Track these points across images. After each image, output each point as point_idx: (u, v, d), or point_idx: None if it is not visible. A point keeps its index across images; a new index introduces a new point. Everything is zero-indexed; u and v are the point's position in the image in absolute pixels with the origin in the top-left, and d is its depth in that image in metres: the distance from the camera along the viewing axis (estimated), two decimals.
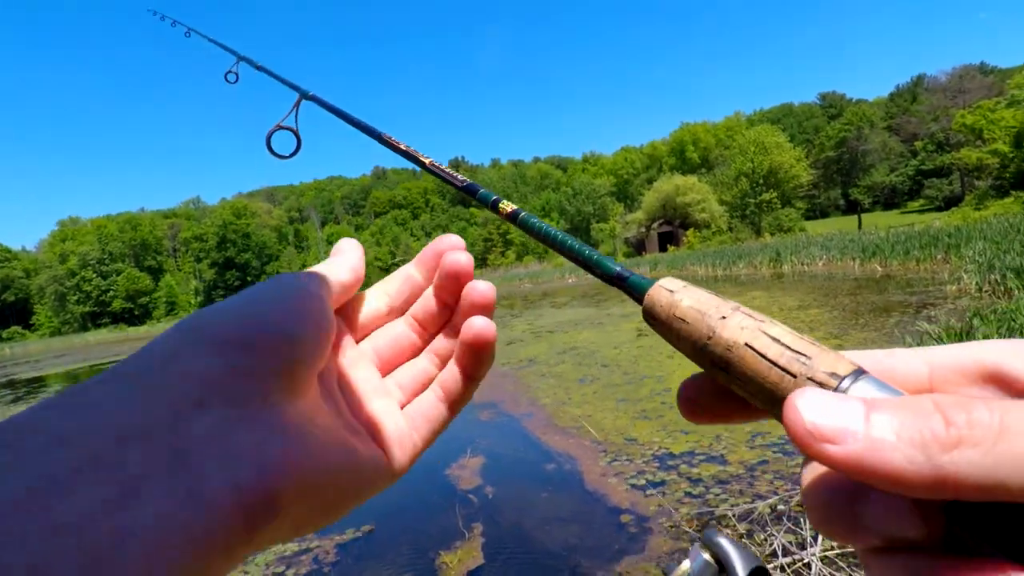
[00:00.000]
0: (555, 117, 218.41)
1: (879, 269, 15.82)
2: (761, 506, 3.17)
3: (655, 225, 48.21)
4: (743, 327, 0.24)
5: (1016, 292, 8.01)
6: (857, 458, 0.18)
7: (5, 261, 73.90)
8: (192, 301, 67.15)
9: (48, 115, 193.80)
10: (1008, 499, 0.16)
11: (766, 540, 2.81)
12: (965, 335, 5.28)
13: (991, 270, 9.61)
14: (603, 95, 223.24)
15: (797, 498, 3.20)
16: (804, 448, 0.19)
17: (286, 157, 0.64)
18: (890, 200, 62.35)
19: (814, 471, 0.22)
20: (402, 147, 0.52)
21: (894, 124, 63.79)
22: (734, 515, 3.13)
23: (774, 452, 3.96)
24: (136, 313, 65.88)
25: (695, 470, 3.87)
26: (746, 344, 0.23)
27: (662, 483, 3.75)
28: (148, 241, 70.62)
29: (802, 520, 2.94)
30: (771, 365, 0.23)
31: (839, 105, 74.47)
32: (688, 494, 3.53)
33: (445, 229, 76.66)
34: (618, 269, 0.31)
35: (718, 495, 3.45)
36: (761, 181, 45.94)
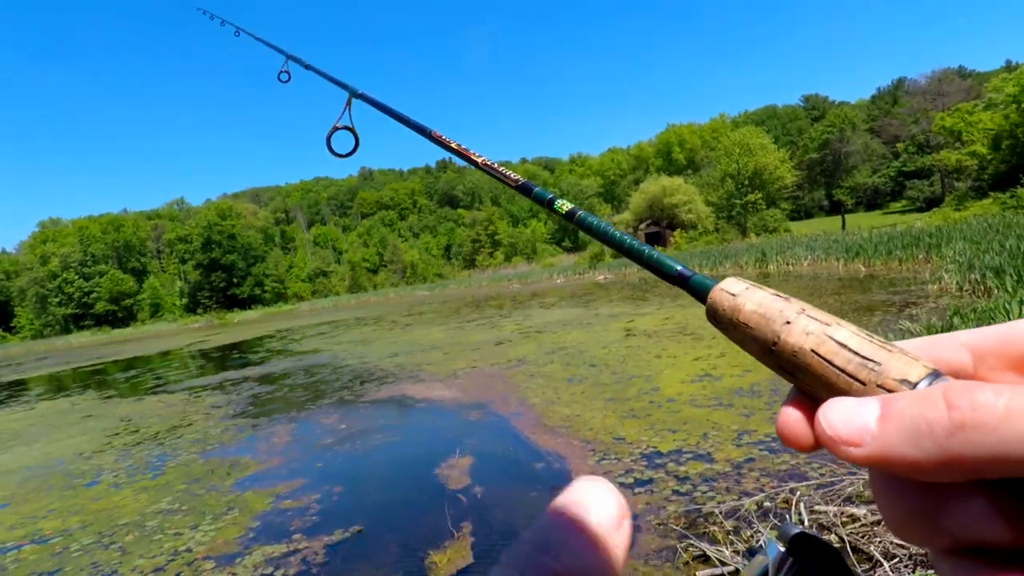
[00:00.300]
0: (542, 118, 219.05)
1: (862, 269, 16.03)
2: (747, 503, 3.20)
3: (642, 226, 48.40)
4: (808, 332, 0.23)
5: (995, 291, 8.16)
6: (874, 456, 0.19)
7: None
8: (177, 303, 66.30)
9: (27, 114, 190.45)
10: (1021, 475, 0.17)
11: (752, 536, 2.85)
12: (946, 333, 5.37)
13: (971, 269, 9.79)
14: (590, 96, 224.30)
15: (783, 495, 3.25)
16: (832, 453, 0.21)
17: (345, 156, 0.65)
18: (873, 201, 63.11)
19: (885, 474, 0.22)
20: (453, 145, 0.53)
21: (876, 126, 64.63)
22: (721, 512, 3.16)
23: (760, 450, 4.01)
24: (120, 315, 64.77)
25: (682, 468, 3.90)
26: (812, 350, 0.23)
27: (650, 481, 3.78)
28: (131, 242, 69.53)
29: (787, 516, 2.99)
30: (839, 372, 0.22)
31: (822, 107, 75.29)
32: (676, 492, 3.57)
33: (433, 230, 76.35)
34: (679, 269, 0.30)
35: (705, 492, 3.48)
36: (746, 182, 46.29)
